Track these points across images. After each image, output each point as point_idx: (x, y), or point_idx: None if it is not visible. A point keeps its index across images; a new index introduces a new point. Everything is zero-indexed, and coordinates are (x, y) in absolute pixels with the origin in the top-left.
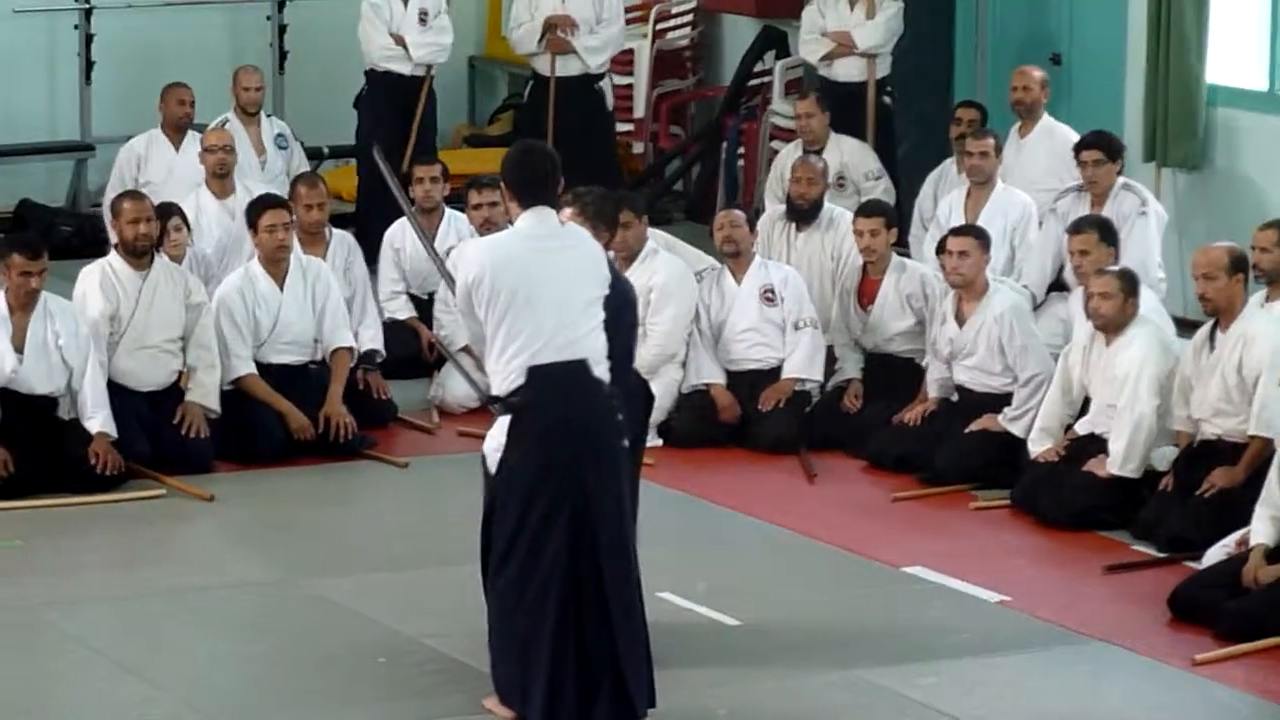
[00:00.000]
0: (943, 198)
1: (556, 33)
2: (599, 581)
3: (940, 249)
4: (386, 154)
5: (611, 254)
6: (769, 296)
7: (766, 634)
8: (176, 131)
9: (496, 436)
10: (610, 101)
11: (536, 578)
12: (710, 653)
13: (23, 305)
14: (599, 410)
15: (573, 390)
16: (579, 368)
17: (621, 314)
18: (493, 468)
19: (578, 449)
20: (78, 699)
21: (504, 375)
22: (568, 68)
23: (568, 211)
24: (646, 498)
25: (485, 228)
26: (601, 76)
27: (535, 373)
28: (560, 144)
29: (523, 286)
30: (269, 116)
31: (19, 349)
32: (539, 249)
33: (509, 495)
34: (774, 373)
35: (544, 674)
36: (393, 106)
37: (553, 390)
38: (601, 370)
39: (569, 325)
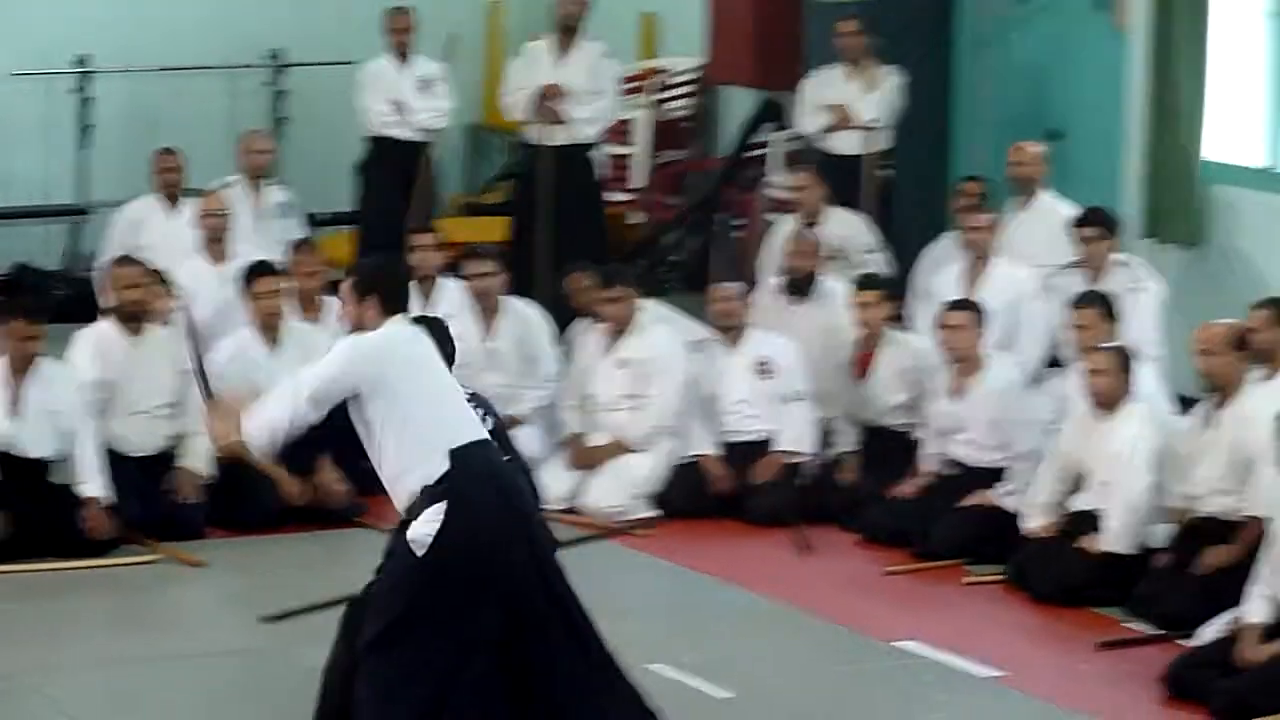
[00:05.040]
0: (941, 271)
1: (548, 102)
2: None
3: (937, 323)
4: (385, 220)
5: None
6: (764, 369)
7: (758, 707)
8: (170, 197)
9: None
10: (602, 172)
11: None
12: None
13: (20, 369)
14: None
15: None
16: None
17: None
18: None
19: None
20: None
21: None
22: (560, 137)
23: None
24: (642, 568)
25: (480, 298)
26: (593, 146)
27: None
28: (552, 213)
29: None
30: (273, 184)
31: (15, 413)
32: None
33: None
34: (766, 444)
35: None
36: (392, 172)
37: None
38: None
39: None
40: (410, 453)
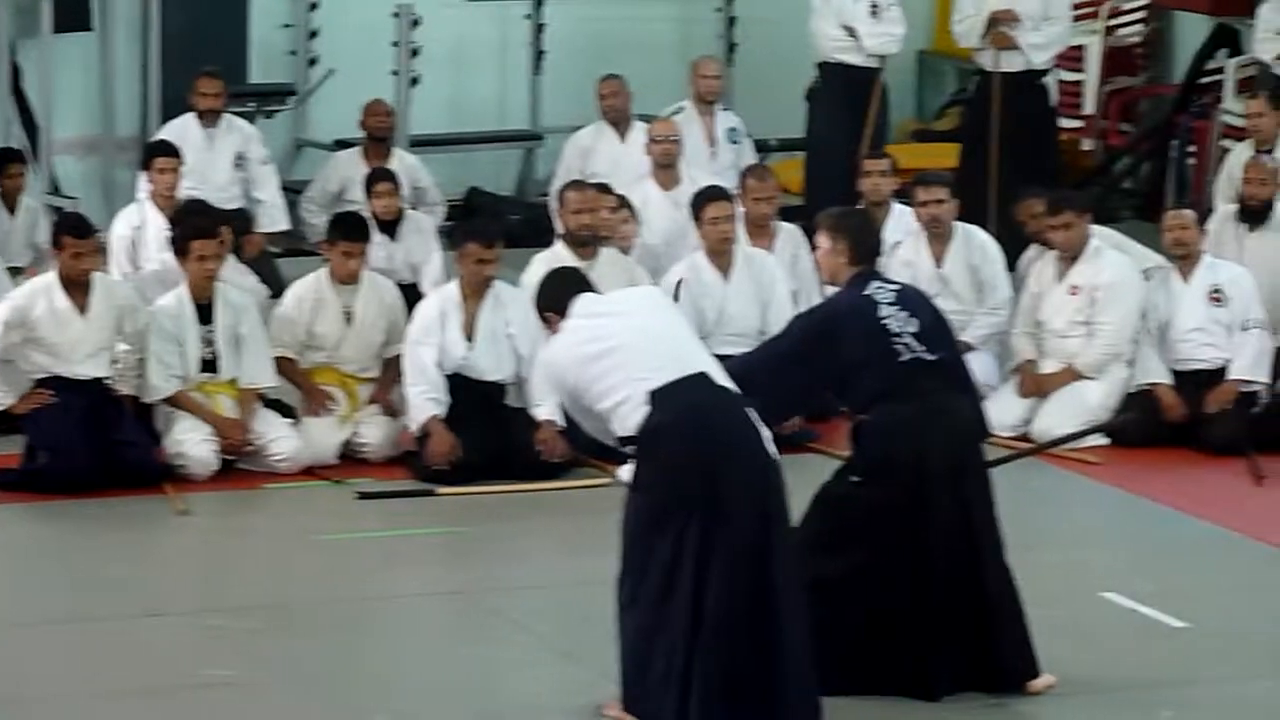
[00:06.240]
0: None
1: (1000, 28)
2: None
3: None
4: (835, 147)
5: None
6: (1216, 297)
7: (1211, 637)
8: (618, 123)
9: None
10: (1054, 98)
11: None
12: (1154, 654)
13: (476, 292)
14: None
15: None
16: None
17: None
18: None
19: None
20: (521, 684)
21: None
22: (1012, 63)
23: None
24: (1094, 496)
25: (932, 225)
26: (1046, 73)
27: None
28: (1003, 140)
29: None
30: (723, 109)
31: (470, 336)
32: None
33: None
34: (1220, 373)
35: None
36: (844, 99)
37: None
38: None
39: None
40: None
